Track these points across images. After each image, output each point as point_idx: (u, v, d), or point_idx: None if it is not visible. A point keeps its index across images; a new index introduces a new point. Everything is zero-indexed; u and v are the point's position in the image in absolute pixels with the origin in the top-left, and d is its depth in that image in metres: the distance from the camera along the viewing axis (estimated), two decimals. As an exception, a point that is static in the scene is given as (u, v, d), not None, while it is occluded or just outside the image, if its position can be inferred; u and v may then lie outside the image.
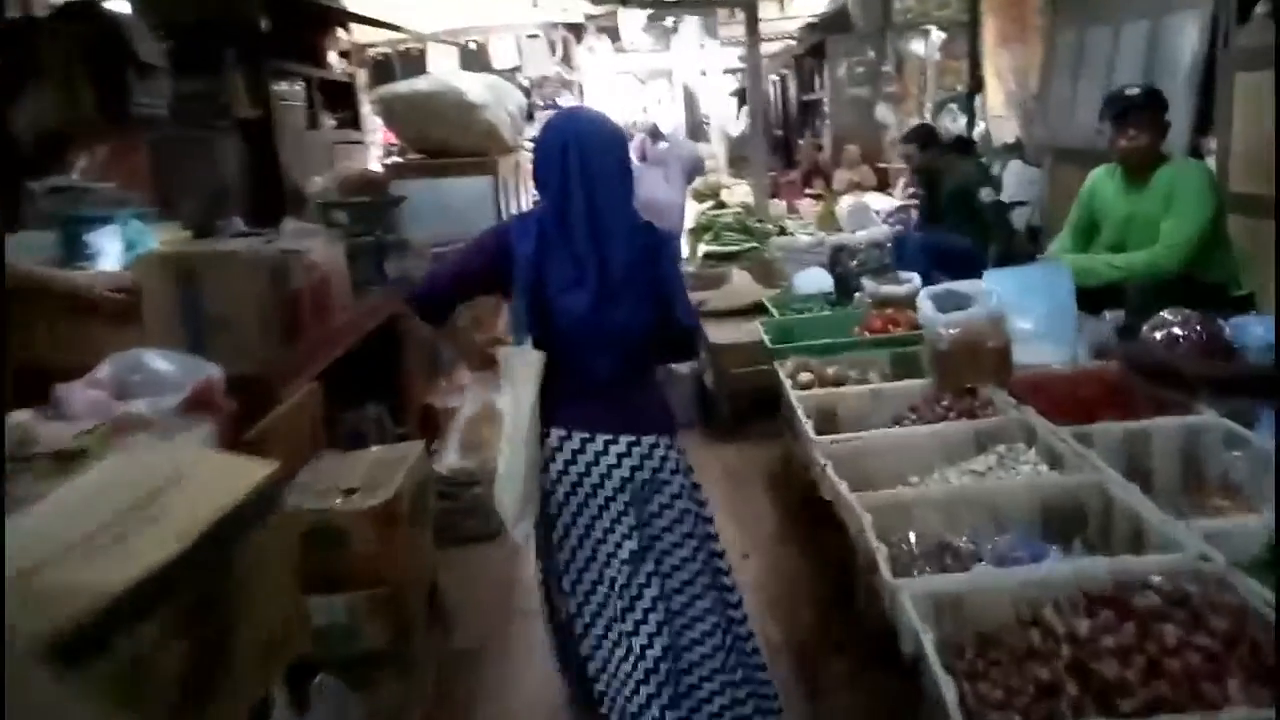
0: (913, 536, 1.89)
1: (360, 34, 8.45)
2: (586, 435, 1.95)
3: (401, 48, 9.55)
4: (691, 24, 12.03)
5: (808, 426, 2.49)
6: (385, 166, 5.32)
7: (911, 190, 7.15)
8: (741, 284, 4.58)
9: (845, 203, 7.35)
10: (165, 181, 4.18)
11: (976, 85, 7.05)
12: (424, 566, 2.76)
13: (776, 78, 13.17)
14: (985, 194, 4.69)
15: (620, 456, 1.95)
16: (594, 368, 1.98)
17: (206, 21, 4.72)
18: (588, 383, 1.98)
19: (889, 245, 3.84)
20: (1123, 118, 2.96)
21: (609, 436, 1.95)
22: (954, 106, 9.48)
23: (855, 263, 3.80)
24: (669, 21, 15.81)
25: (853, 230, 6.99)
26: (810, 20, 11.66)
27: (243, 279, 2.36)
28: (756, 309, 4.25)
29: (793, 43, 13.68)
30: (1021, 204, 5.41)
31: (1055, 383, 2.47)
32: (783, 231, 6.80)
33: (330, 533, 2.17)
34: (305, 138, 5.74)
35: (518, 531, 2.05)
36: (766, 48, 15.95)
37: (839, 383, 2.93)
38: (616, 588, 1.95)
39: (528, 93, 10.51)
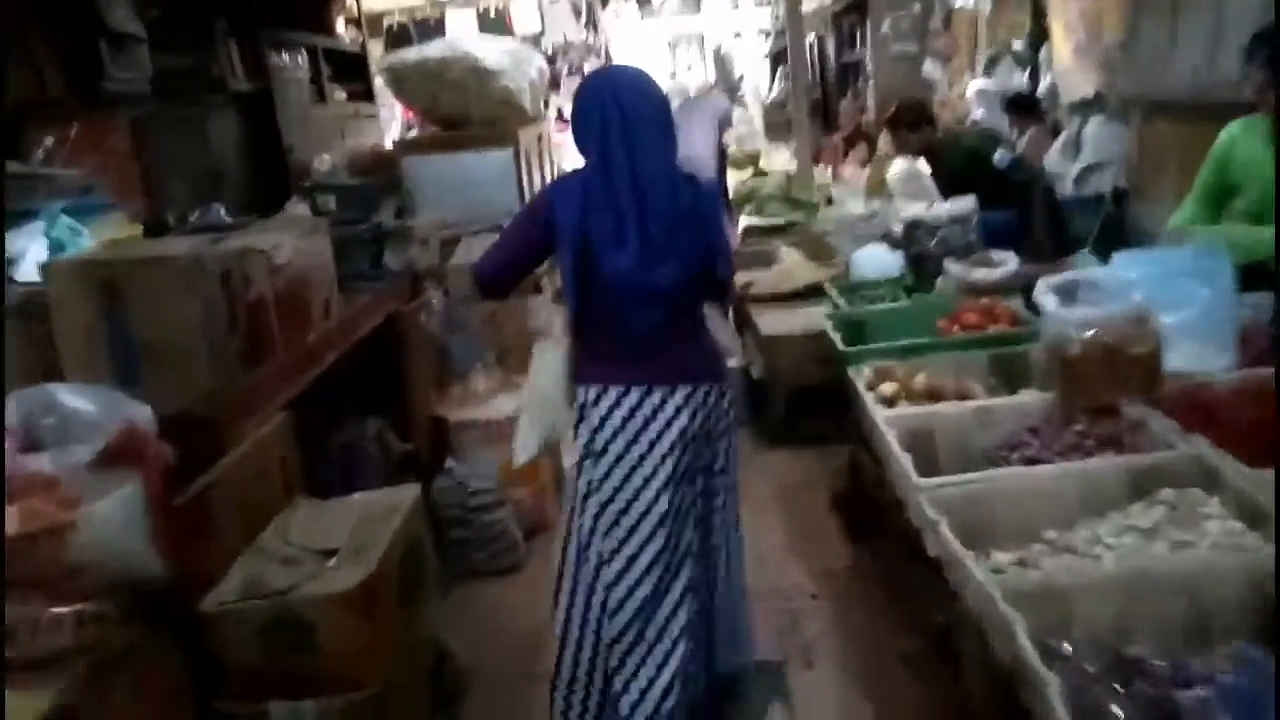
0: (1069, 645, 1.36)
1: (372, 1, 7.97)
2: (622, 389, 1.96)
3: (419, 16, 9.05)
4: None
5: (905, 464, 1.94)
6: (395, 143, 4.86)
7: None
8: (792, 264, 4.07)
9: (896, 167, 6.77)
10: (150, 165, 3.76)
11: (1040, 36, 6.42)
12: (422, 651, 2.23)
13: (813, 38, 12.49)
14: (999, 158, 4.18)
15: (678, 409, 1.96)
16: (639, 323, 1.98)
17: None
18: (633, 338, 1.98)
19: (975, 220, 3.26)
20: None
21: (666, 388, 1.97)
22: (1010, 60, 8.86)
23: (935, 241, 3.23)
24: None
25: (906, 198, 6.46)
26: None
27: (180, 292, 1.79)
28: (810, 292, 3.75)
29: (828, 2, 13.02)
30: (1095, 167, 4.83)
31: (1223, 401, 1.92)
32: (829, 202, 6.26)
33: (293, 627, 1.66)
34: (312, 113, 5.31)
35: (522, 452, 2.11)
36: (802, 7, 15.32)
37: (933, 396, 2.38)
38: (649, 557, 1.96)
39: (552, 60, 9.99)
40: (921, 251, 3.28)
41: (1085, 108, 5.16)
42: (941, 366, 2.49)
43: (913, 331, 2.76)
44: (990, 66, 8.95)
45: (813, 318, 3.46)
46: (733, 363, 3.80)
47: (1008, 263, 3.03)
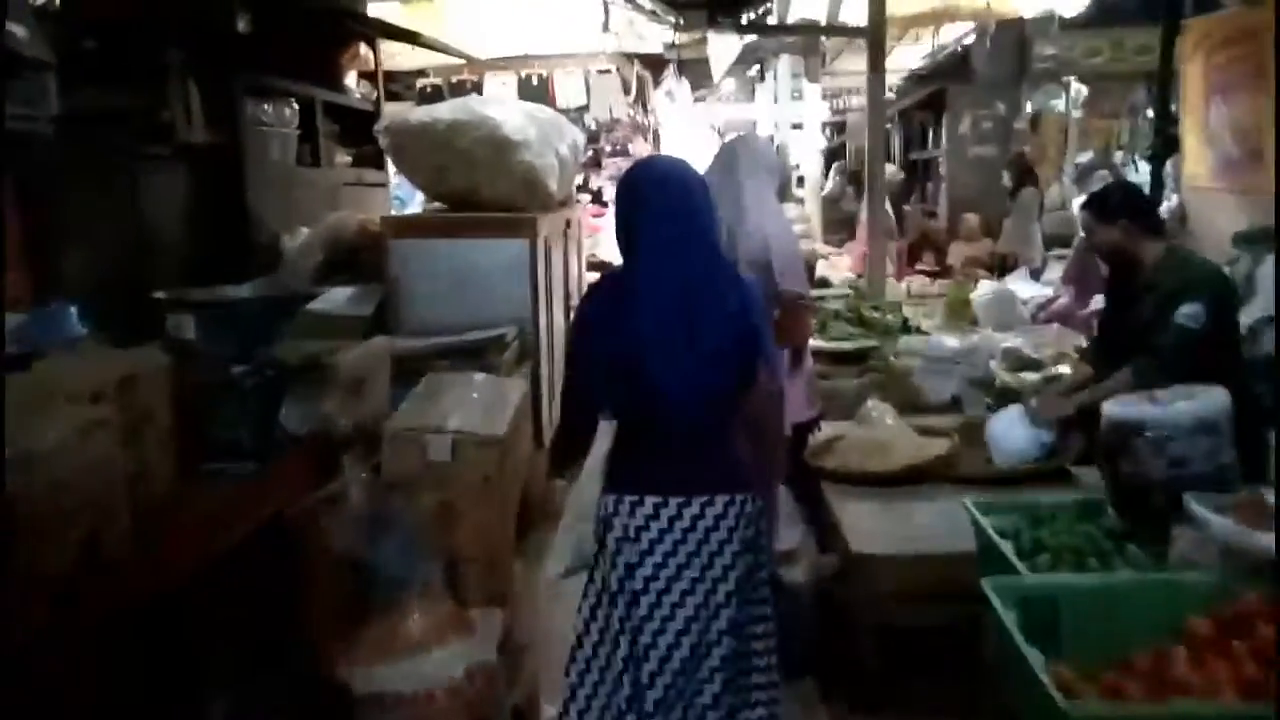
0: None
1: (404, 58, 7.21)
2: (659, 499, 1.89)
3: (454, 79, 8.31)
4: (784, 68, 10.62)
5: None
6: (382, 220, 3.92)
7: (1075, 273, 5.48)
8: (884, 425, 2.99)
9: (985, 289, 5.76)
10: (38, 231, 2.82)
11: (1167, 148, 5.43)
12: None
13: (876, 132, 11.67)
14: (1190, 313, 2.61)
15: (695, 519, 1.89)
16: (679, 430, 1.92)
17: (150, 14, 3.43)
18: (672, 445, 1.93)
19: (1226, 422, 2.00)
20: None
21: (706, 497, 1.90)
22: (1104, 172, 7.92)
23: (1165, 462, 1.98)
24: (754, 70, 14.53)
25: (997, 327, 5.44)
26: (918, 70, 10.19)
27: None
28: (915, 474, 2.66)
29: (890, 96, 12.28)
30: (1269, 321, 3.75)
31: None
32: (906, 325, 5.23)
33: None
34: (297, 176, 4.41)
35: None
36: (860, 101, 14.62)
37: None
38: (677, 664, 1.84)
39: (595, 137, 9.20)
40: (1141, 476, 2.03)
41: (1250, 243, 4.12)
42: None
43: (1140, 624, 1.57)
44: (1083, 178, 8.03)
45: (926, 521, 2.42)
46: (798, 574, 2.76)
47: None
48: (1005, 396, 3.84)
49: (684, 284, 1.86)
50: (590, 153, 8.94)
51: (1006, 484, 2.62)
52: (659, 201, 1.90)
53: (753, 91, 16.37)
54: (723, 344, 1.88)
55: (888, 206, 6.59)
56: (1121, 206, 2.90)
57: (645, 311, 1.85)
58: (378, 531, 1.94)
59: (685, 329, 1.84)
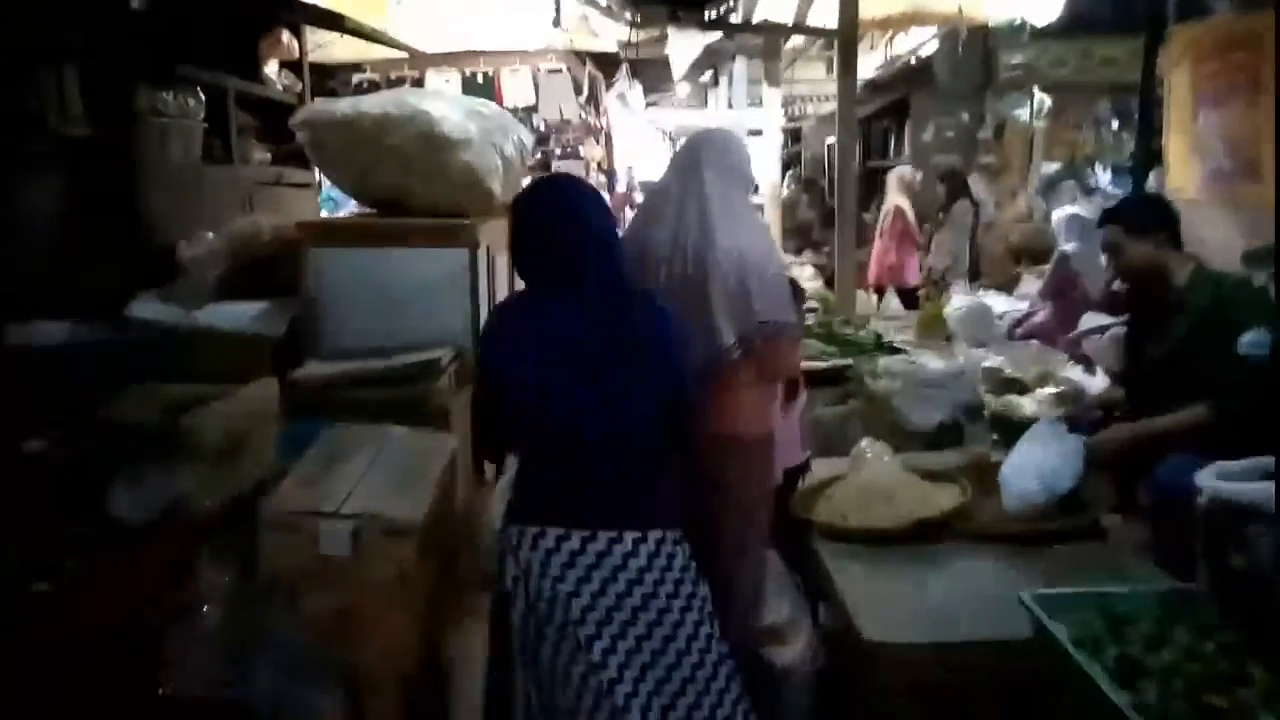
0: None
1: (338, 49, 6.68)
2: (587, 533, 1.77)
3: (394, 75, 7.78)
4: (740, 72, 10.30)
5: None
6: (299, 225, 3.41)
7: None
8: (883, 467, 2.57)
9: (958, 303, 5.43)
10: None
11: (1146, 160, 5.16)
12: None
13: (833, 140, 11.43)
14: (1252, 342, 2.25)
15: (626, 556, 1.78)
16: (599, 459, 1.80)
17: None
18: (591, 476, 1.81)
19: None
20: None
21: (611, 534, 1.78)
22: (1071, 184, 7.70)
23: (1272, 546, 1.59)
24: (707, 76, 14.20)
25: (971, 343, 5.12)
26: (876, 77, 9.92)
27: None
28: (925, 530, 2.24)
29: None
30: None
31: None
32: (880, 343, 4.87)
33: None
34: (203, 175, 3.88)
35: None
36: (815, 108, 14.38)
37: None
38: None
39: (544, 139, 8.74)
40: (1258, 573, 1.57)
41: (1261, 261, 3.82)
42: None
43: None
44: (1049, 189, 7.80)
45: (946, 592, 2.01)
46: (794, 654, 2.34)
47: None
48: (1005, 428, 3.49)
49: (583, 309, 1.80)
50: (539, 155, 8.49)
51: (1031, 541, 2.23)
52: (552, 224, 1.83)
53: (705, 97, 16.07)
54: (631, 371, 1.79)
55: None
56: (1157, 219, 2.56)
57: (545, 339, 1.79)
58: (249, 655, 1.44)
59: (587, 356, 1.78)
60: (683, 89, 13.28)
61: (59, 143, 2.99)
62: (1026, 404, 3.93)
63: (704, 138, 2.42)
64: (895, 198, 7.32)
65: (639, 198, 12.70)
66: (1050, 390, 4.05)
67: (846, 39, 4.92)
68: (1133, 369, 2.80)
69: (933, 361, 4.01)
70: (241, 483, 1.83)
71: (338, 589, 1.61)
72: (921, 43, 9.41)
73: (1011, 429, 3.56)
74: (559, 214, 1.86)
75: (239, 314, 3.28)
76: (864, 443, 2.73)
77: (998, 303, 5.77)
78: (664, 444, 1.89)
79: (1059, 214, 5.64)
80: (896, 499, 2.36)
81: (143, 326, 3.15)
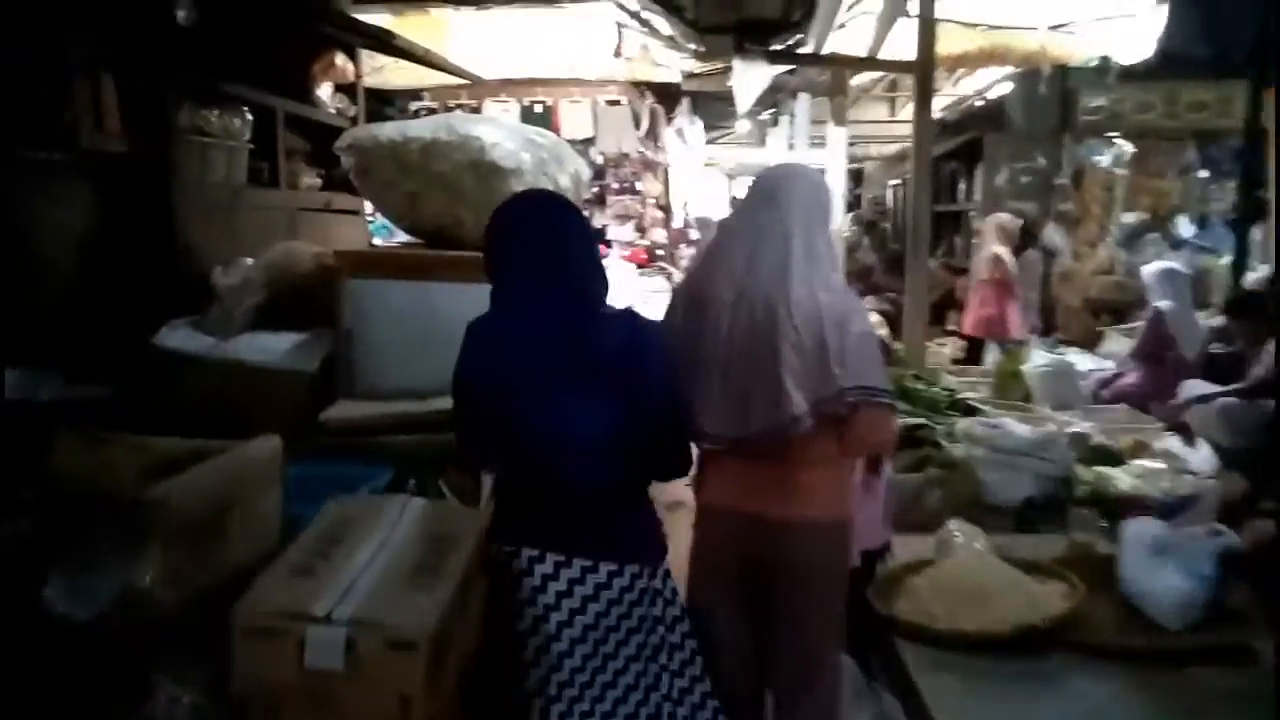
0: None
1: (396, 75, 6.57)
2: (561, 559, 1.76)
3: (452, 102, 7.67)
4: (803, 109, 10.01)
5: None
6: (340, 255, 3.19)
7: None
8: (974, 555, 2.22)
9: (1039, 360, 5.05)
10: None
11: (1249, 213, 4.77)
12: None
13: (898, 182, 11.13)
14: None
15: (598, 587, 1.77)
16: (570, 482, 1.78)
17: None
18: (564, 499, 1.79)
19: None
20: None
21: (586, 563, 1.77)
22: (1156, 236, 7.28)
23: None
24: (766, 114, 13.98)
25: (1053, 404, 4.74)
26: (943, 117, 9.58)
27: None
28: (1034, 638, 1.87)
29: (910, 145, 11.72)
30: None
31: None
32: (954, 400, 4.50)
33: None
34: (247, 197, 3.71)
35: None
36: (877, 149, 14.07)
37: None
38: None
39: (601, 172, 8.55)
40: None
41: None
42: None
43: None
44: (1132, 241, 7.38)
45: (1058, 718, 1.67)
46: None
47: None
48: (1101, 506, 3.12)
49: (550, 327, 1.77)
50: (596, 189, 8.30)
51: (1163, 660, 1.87)
52: (523, 241, 1.82)
53: (764, 136, 15.85)
54: (599, 391, 1.76)
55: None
56: None
57: (511, 357, 1.78)
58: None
59: (555, 375, 1.76)
60: (741, 126, 13.06)
61: (91, 158, 2.81)
62: (1121, 478, 3.55)
63: (785, 171, 2.14)
64: (994, 245, 6.92)
65: (694, 234, 12.47)
66: (1148, 464, 3.68)
67: (924, 73, 4.63)
68: (1273, 453, 2.43)
69: (1017, 427, 3.64)
70: (219, 570, 1.54)
71: (325, 712, 1.32)
72: (991, 83, 9.08)
73: (1108, 508, 3.19)
74: (532, 228, 1.84)
75: (272, 346, 3.08)
76: (952, 524, 2.39)
77: (1081, 361, 5.38)
78: (644, 470, 1.86)
79: (1150, 269, 5.25)
80: (994, 598, 2.02)
81: (169, 357, 2.97)
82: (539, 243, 1.82)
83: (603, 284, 1.88)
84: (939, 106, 9.62)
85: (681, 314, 2.04)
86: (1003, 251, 6.99)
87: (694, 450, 2.03)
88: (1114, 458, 3.77)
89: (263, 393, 2.97)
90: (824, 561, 1.93)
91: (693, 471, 2.03)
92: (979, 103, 8.36)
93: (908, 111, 12.14)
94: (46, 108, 2.69)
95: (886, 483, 2.43)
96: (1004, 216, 7.29)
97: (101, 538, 1.37)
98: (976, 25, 5.13)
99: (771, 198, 2.02)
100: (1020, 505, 3.36)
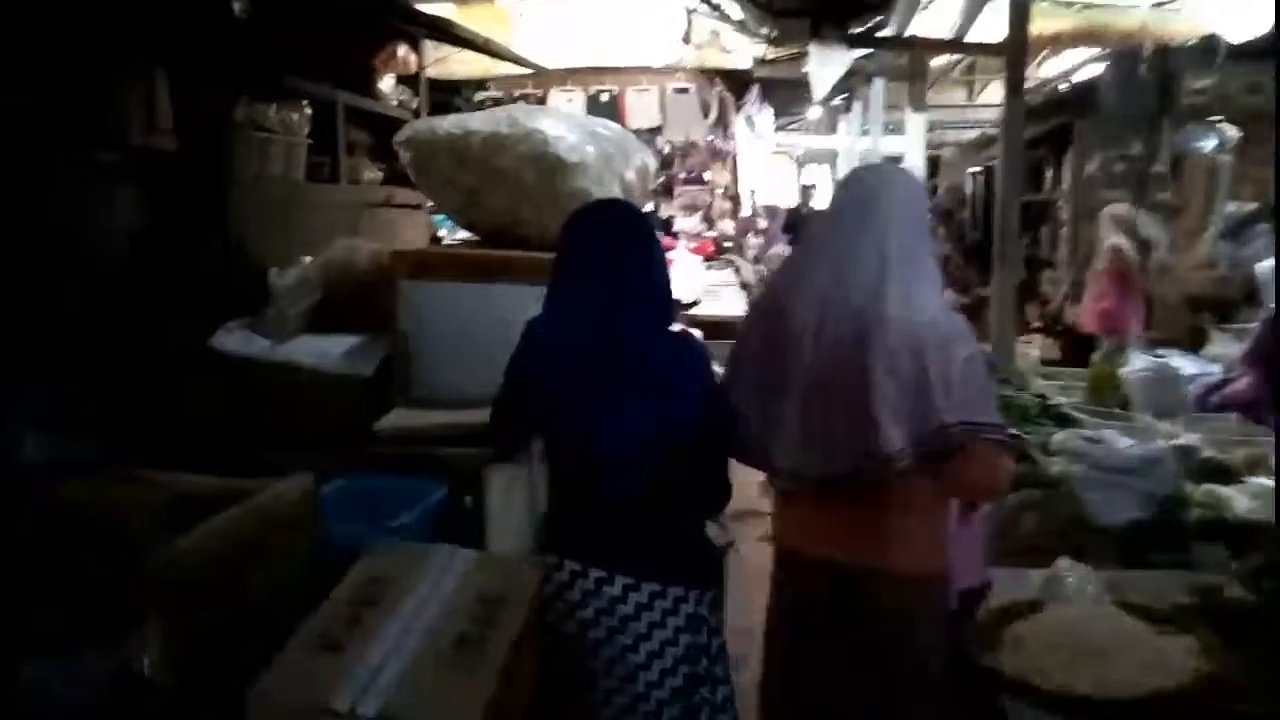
0: None
1: (460, 66, 6.47)
2: (603, 574, 1.73)
3: (516, 93, 7.55)
4: (877, 94, 9.64)
5: None
6: (396, 255, 3.06)
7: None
8: (1087, 602, 1.97)
9: (1139, 364, 4.69)
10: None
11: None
12: None
13: (978, 170, 10.67)
14: None
15: (639, 607, 1.72)
16: (607, 494, 1.77)
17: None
18: (604, 511, 1.78)
19: None
20: None
21: (628, 580, 1.73)
22: (1265, 228, 6.75)
23: None
24: (837, 100, 13.56)
25: (1153, 412, 4.40)
26: (1026, 100, 9.10)
27: None
28: (1164, 707, 1.60)
29: (993, 132, 11.22)
30: None
31: None
32: (1046, 408, 4.20)
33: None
34: (306, 194, 3.62)
35: None
36: (955, 135, 13.55)
37: None
38: None
39: (668, 162, 8.34)
40: None
41: None
42: None
43: None
44: (1237, 233, 6.87)
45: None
46: None
47: None
48: (1216, 531, 2.84)
49: (598, 338, 1.77)
50: (662, 179, 8.10)
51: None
52: (584, 249, 1.83)
53: (834, 123, 15.40)
54: (645, 406, 1.74)
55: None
56: None
57: (558, 362, 1.80)
58: None
59: (595, 385, 1.75)
60: (813, 113, 12.70)
61: (141, 156, 2.73)
62: (1238, 498, 3.22)
63: (880, 171, 1.91)
64: (1113, 236, 6.53)
65: (762, 223, 12.18)
66: (1266, 481, 3.34)
67: (1016, 56, 4.31)
68: None
69: (1120, 439, 3.34)
70: (235, 638, 1.37)
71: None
72: (1077, 65, 8.55)
73: (1226, 533, 2.90)
74: (594, 238, 1.83)
75: (328, 349, 2.97)
76: (1062, 564, 2.14)
77: (1183, 364, 4.98)
78: (689, 491, 1.81)
79: (1266, 265, 4.82)
80: (1114, 654, 1.77)
81: (225, 360, 2.89)
82: (600, 255, 1.79)
83: (663, 305, 1.85)
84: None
85: (757, 333, 1.82)
86: (1122, 242, 6.58)
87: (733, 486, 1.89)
88: (1227, 474, 3.45)
89: (317, 397, 2.87)
90: (917, 619, 1.71)
91: (769, 510, 1.84)
92: (1063, 86, 7.89)
93: (987, 95, 11.63)
94: (96, 106, 2.61)
95: (986, 514, 2.19)
96: (1119, 207, 6.88)
97: (95, 599, 1.22)
98: (1072, 4, 4.77)
99: (865, 202, 1.76)
100: (1127, 528, 3.08)
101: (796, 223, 9.70)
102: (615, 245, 1.81)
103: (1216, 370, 4.91)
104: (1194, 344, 5.70)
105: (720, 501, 1.92)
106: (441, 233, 6.35)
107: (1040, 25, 4.87)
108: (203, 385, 2.70)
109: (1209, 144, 7.20)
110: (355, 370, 2.89)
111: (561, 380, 1.79)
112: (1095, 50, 7.33)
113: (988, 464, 1.66)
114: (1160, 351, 5.40)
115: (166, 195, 2.85)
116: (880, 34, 5.03)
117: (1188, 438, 3.76)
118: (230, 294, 3.05)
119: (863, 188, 1.82)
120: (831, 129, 15.60)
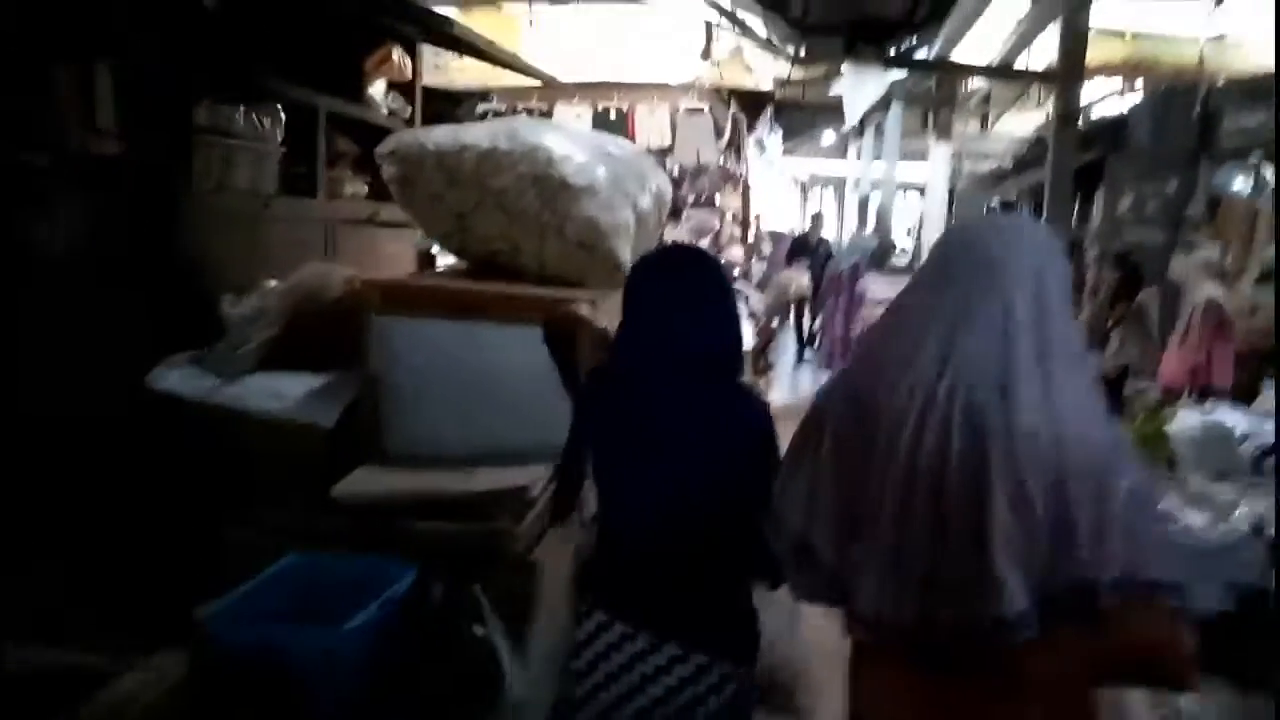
0: None
1: (461, 74, 6.10)
2: (629, 630, 1.68)
3: (521, 105, 7.18)
4: (893, 120, 9.30)
5: None
6: (368, 284, 2.64)
7: None
8: None
9: (1187, 421, 4.31)
10: None
11: None
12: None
13: (996, 203, 10.35)
14: None
15: (658, 670, 1.66)
16: (644, 552, 1.71)
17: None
18: (638, 567, 1.72)
19: None
20: None
21: (653, 639, 1.66)
22: (1310, 277, 6.38)
23: None
24: (847, 126, 13.26)
25: (1203, 472, 4.03)
26: (1040, 133, 8.77)
27: None
28: None
29: (1003, 165, 10.90)
30: None
31: None
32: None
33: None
34: (276, 208, 3.22)
35: None
36: (971, 165, 13.24)
37: None
38: None
39: (677, 184, 7.97)
40: None
41: None
42: None
43: None
44: (1268, 278, 6.50)
45: None
46: None
47: None
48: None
49: (654, 390, 1.69)
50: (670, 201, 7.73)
51: None
52: (651, 299, 1.74)
53: (844, 148, 15.09)
54: (694, 467, 1.66)
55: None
56: None
57: (613, 411, 1.76)
58: None
59: (655, 440, 1.68)
60: (826, 137, 12.39)
61: (78, 160, 2.32)
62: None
63: (1004, 225, 1.38)
64: (1207, 286, 5.99)
65: (766, 248, 11.79)
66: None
67: (1068, 82, 3.94)
68: None
69: (1198, 519, 2.94)
70: None
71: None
72: (1101, 96, 8.21)
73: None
74: (661, 288, 1.75)
75: (285, 391, 2.55)
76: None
77: (1234, 419, 4.58)
78: (734, 555, 1.70)
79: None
80: None
81: (163, 401, 2.47)
82: (656, 303, 1.72)
83: (730, 361, 1.76)
84: (1034, 124, 8.81)
85: (830, 429, 1.35)
86: (1218, 292, 6.05)
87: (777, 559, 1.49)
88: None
89: (268, 449, 2.46)
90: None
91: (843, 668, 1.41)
92: (1081, 121, 7.55)
93: (1002, 125, 11.27)
94: (22, 99, 2.20)
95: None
96: (1208, 254, 6.45)
97: None
98: (1123, 33, 4.41)
99: (985, 263, 1.28)
100: (1213, 620, 2.67)
101: (801, 249, 9.34)
102: (678, 295, 1.72)
103: (1270, 428, 4.52)
104: (1240, 396, 5.30)
105: (771, 571, 1.63)
106: (435, 250, 5.95)
107: (1089, 54, 4.50)
108: (132, 433, 2.29)
109: (1247, 185, 6.86)
110: (315, 418, 2.48)
111: (615, 429, 1.76)
112: (1117, 81, 6.99)
113: (1154, 634, 1.19)
114: (1209, 406, 5.00)
115: (107, 206, 2.44)
116: (917, 56, 4.66)
117: (1248, 507, 3.38)
118: (176, 324, 2.64)
119: (981, 242, 1.31)
120: (842, 153, 15.30)
